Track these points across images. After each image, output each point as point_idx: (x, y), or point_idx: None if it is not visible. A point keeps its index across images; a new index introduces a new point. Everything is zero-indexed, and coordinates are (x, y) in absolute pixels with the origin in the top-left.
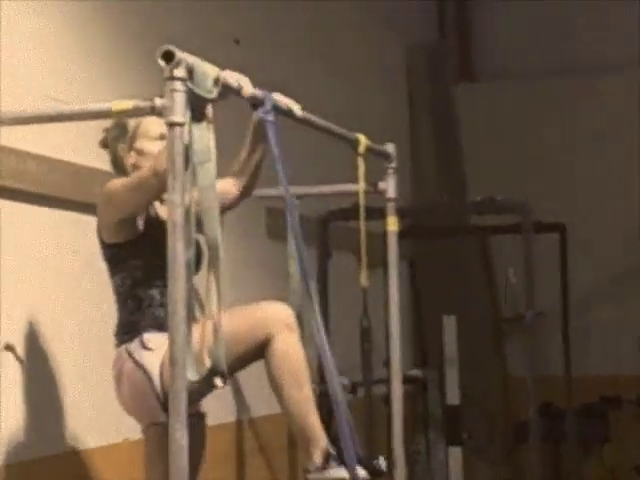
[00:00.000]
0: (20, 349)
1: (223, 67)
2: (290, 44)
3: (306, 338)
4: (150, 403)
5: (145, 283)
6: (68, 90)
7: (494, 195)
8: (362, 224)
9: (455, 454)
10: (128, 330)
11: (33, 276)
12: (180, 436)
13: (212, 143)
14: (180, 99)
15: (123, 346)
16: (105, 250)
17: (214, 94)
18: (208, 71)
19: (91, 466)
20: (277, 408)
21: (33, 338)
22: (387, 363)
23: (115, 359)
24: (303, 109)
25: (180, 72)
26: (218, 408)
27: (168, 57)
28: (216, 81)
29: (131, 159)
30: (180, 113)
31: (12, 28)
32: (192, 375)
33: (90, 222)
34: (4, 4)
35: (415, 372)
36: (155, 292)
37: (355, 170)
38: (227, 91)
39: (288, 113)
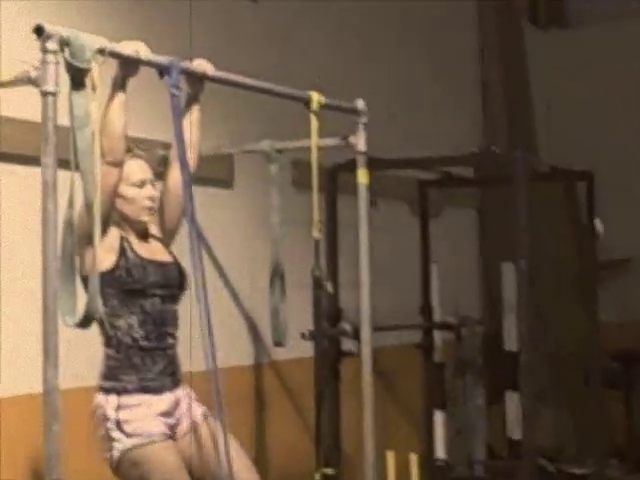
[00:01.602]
0: None
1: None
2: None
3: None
4: None
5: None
6: None
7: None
8: (314, 177)
9: (513, 399)
10: None
11: None
12: (52, 376)
13: (92, 110)
14: (51, 70)
15: None
16: None
17: (91, 64)
18: (87, 42)
19: None
20: (299, 352)
21: None
22: (423, 310)
23: None
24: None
25: (52, 45)
26: (234, 350)
27: (40, 32)
28: (101, 51)
29: (117, 203)
30: (51, 83)
31: None
32: (68, 321)
33: None
34: None
35: (451, 318)
36: None
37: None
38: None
39: (202, 77)
